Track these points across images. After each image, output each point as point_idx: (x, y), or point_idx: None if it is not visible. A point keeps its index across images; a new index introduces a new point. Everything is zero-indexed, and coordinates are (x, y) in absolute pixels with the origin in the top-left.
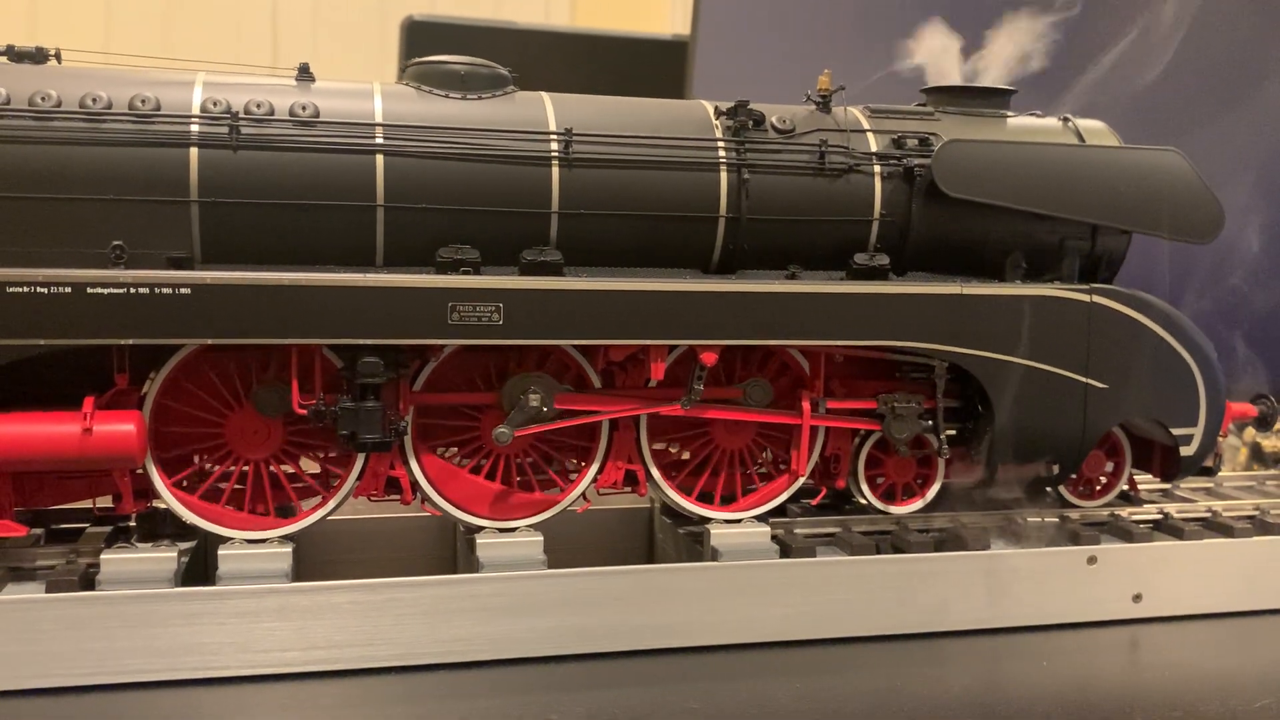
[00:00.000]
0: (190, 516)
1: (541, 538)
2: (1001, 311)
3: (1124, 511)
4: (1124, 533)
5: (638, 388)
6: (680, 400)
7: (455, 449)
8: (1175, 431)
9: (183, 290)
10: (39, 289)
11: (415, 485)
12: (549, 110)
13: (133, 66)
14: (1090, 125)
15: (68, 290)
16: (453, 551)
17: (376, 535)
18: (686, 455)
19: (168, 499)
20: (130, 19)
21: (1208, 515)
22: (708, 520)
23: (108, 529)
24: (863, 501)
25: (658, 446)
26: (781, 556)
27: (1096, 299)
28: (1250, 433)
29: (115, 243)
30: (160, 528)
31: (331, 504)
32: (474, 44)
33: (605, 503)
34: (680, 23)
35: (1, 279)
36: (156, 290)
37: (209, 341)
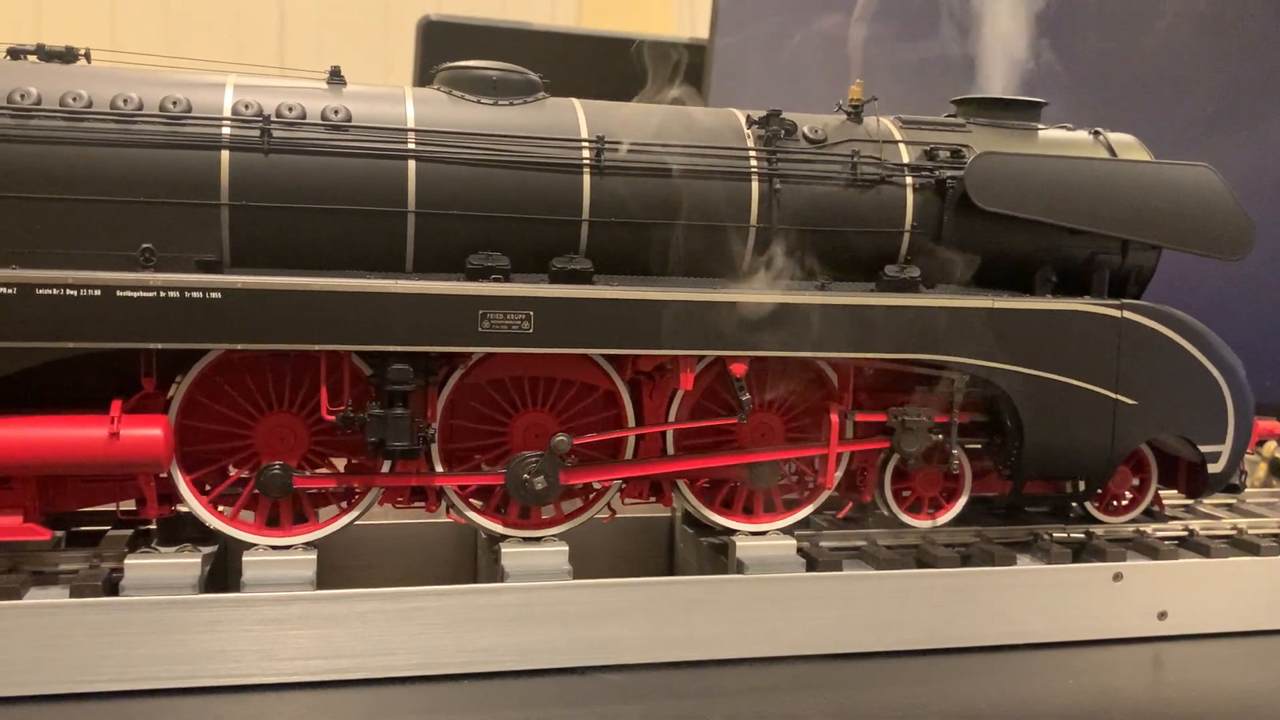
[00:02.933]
0: (214, 521)
1: (566, 547)
2: (1032, 326)
3: (1149, 528)
4: (1149, 549)
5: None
6: (739, 416)
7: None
8: (1203, 448)
9: (213, 294)
10: (68, 291)
11: (441, 493)
12: (580, 117)
13: (157, 67)
14: (1121, 139)
15: (97, 293)
16: (473, 559)
17: (395, 542)
18: None
19: (192, 504)
20: (134, 21)
21: (1233, 532)
22: (733, 531)
23: (129, 533)
24: (888, 515)
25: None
26: (807, 570)
27: (1127, 314)
28: (1270, 448)
29: (145, 245)
30: (181, 532)
31: (356, 511)
32: (490, 45)
33: (626, 510)
34: (687, 22)
35: (30, 281)
36: (186, 294)
37: (238, 347)
